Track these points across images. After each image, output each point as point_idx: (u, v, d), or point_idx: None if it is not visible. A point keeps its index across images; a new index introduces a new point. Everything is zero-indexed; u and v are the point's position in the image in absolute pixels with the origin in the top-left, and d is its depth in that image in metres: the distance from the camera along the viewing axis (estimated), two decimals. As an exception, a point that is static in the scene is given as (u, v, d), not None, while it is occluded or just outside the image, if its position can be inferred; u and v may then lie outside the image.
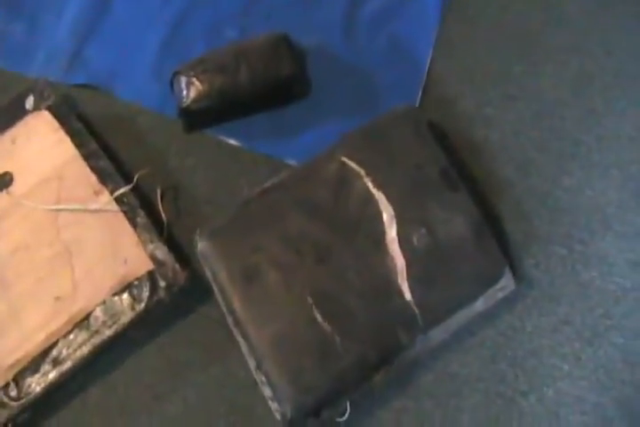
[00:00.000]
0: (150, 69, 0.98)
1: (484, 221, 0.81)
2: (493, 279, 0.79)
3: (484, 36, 0.96)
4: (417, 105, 0.92)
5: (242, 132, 0.93)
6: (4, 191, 0.88)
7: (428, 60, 0.95)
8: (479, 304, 0.79)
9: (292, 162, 0.91)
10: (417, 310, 0.76)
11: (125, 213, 0.83)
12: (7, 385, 0.76)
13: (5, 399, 0.75)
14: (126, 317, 0.78)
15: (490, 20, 0.97)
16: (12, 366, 0.77)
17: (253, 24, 0.99)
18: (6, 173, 0.89)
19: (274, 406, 0.75)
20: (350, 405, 0.74)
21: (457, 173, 0.83)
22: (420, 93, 0.93)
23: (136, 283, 0.79)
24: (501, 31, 0.96)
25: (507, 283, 0.80)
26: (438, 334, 0.77)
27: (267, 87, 0.90)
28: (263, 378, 0.76)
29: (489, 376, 0.79)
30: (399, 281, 0.77)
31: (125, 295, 0.79)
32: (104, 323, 0.78)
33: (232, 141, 0.93)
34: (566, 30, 0.96)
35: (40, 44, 1.02)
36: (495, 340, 0.80)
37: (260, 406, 0.77)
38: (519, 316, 0.81)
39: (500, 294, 0.80)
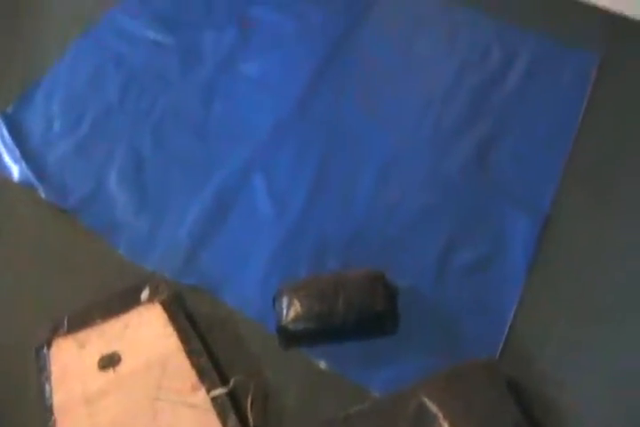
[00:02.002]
0: (256, 282, 1.08)
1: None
2: None
3: (567, 298, 1.05)
4: (497, 357, 0.98)
5: (332, 356, 0.99)
6: (112, 369, 0.95)
7: (511, 316, 1.03)
8: None
9: (375, 392, 0.95)
10: None
11: (218, 413, 0.88)
12: None
13: None
14: None
15: (573, 284, 1.06)
16: None
17: (354, 258, 1.11)
18: (115, 354, 0.97)
19: None
20: None
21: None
22: (501, 346, 1.00)
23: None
24: (583, 296, 1.05)
25: None
26: None
27: (360, 319, 0.97)
28: None
29: None
30: None
31: None
32: None
33: (322, 364, 0.98)
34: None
35: (160, 240, 1.12)
36: None
37: None
38: None
39: None
